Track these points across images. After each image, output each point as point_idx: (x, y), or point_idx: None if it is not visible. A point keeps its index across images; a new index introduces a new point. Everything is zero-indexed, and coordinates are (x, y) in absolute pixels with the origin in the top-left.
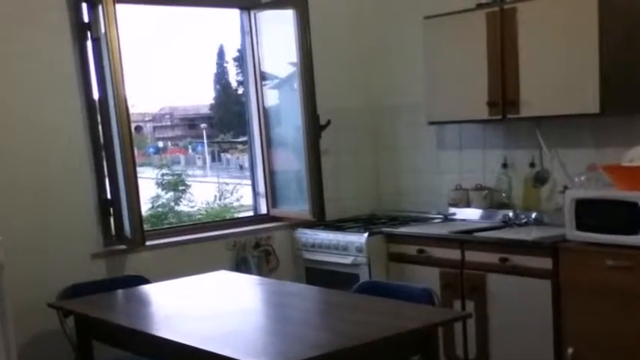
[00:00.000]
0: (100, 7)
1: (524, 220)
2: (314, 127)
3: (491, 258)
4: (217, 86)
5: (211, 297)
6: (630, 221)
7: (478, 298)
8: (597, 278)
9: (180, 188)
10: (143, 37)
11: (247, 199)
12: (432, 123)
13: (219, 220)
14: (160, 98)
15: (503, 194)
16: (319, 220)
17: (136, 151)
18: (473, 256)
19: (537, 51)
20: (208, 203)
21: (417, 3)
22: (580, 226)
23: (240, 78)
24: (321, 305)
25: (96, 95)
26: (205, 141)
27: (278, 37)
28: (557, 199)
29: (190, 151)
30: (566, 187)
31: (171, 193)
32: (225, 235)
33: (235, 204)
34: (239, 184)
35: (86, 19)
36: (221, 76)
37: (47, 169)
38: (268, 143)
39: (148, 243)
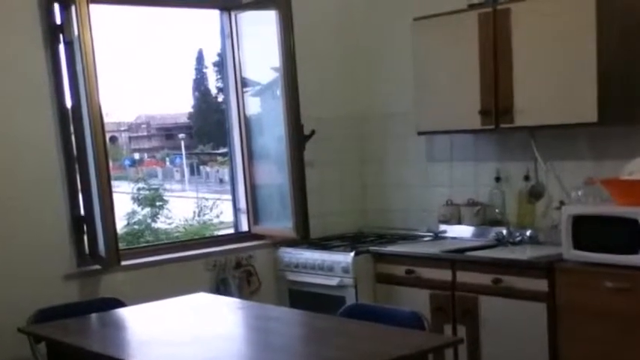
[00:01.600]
0: (73, 8)
1: (519, 238)
2: (297, 137)
3: (484, 279)
4: (196, 93)
5: (190, 321)
6: (630, 239)
7: (470, 323)
8: (596, 301)
9: (158, 204)
10: (118, 41)
11: (228, 216)
12: (421, 133)
13: (198, 239)
14: (136, 106)
15: (497, 210)
16: (303, 238)
17: (110, 164)
18: (464, 276)
19: (532, 55)
20: (187, 220)
21: (406, 4)
22: (577, 244)
23: (220, 84)
24: (305, 330)
25: (69, 103)
26: (184, 152)
27: (260, 40)
28: (553, 215)
29: (168, 163)
30: (562, 203)
31: (147, 209)
32: (205, 255)
33: (215, 221)
34: (219, 199)
35: (58, 20)
36: (200, 83)
37: (16, 183)
38: (250, 155)
39: (123, 263)
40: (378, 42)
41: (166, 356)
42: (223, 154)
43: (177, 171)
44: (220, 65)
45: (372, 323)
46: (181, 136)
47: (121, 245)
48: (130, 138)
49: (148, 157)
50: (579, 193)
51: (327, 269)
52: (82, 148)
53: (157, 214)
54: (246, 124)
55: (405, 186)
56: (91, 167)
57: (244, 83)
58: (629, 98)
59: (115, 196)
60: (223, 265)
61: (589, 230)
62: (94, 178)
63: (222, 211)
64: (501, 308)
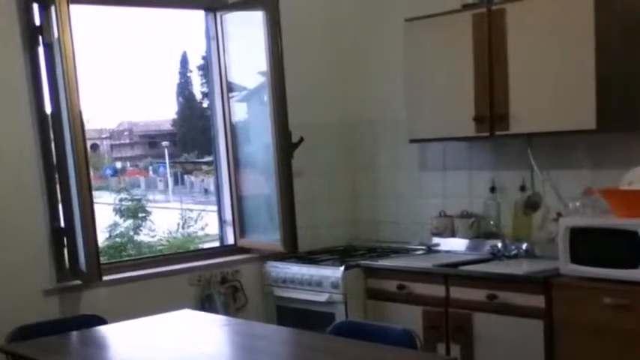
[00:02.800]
0: (52, 8)
1: (514, 252)
2: (285, 145)
3: (478, 295)
4: (180, 98)
5: (174, 339)
6: (630, 253)
7: (464, 340)
8: (594, 317)
9: (140, 215)
10: (100, 44)
11: (213, 228)
12: (413, 141)
13: (182, 252)
14: (118, 112)
15: (491, 222)
16: (291, 252)
17: (91, 173)
18: (458, 292)
19: (528, 58)
20: (170, 232)
21: (397, 4)
22: (575, 258)
23: (205, 89)
24: (292, 349)
25: (48, 109)
26: (167, 161)
27: (246, 43)
28: (550, 227)
29: (151, 172)
30: (559, 214)
31: (130, 221)
32: (189, 269)
33: (200, 233)
34: (204, 210)
35: (37, 21)
36: (184, 87)
37: None
38: (236, 164)
39: (105, 278)
40: (368, 44)
41: None
42: (208, 163)
43: (160, 180)
44: (205, 69)
45: (363, 342)
46: (165, 143)
47: (103, 259)
48: (111, 146)
49: (131, 166)
50: (577, 204)
51: (316, 284)
52: (62, 156)
53: (140, 226)
54: (232, 131)
55: (397, 196)
56: (72, 177)
57: (230, 88)
58: (630, 104)
59: (96, 207)
60: (208, 280)
61: (587, 243)
62: (75, 189)
63: (207, 224)
64: (496, 325)
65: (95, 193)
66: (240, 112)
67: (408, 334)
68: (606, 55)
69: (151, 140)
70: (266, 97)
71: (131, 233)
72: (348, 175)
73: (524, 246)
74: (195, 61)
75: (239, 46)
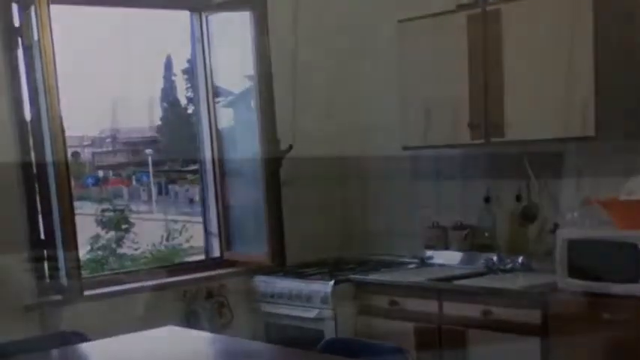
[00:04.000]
0: (32, 9)
1: (510, 266)
2: (274, 153)
3: (473, 311)
4: (164, 104)
5: (157, 357)
6: (629, 267)
7: (458, 358)
8: (593, 334)
9: (123, 227)
10: (80, 46)
11: (198, 240)
12: (406, 148)
13: (167, 266)
14: (100, 118)
15: (486, 234)
16: (279, 265)
17: (72, 183)
18: (452, 308)
19: (525, 61)
20: (154, 245)
21: (390, 5)
22: (573, 272)
23: (190, 94)
24: None
25: (28, 115)
26: (151, 170)
27: (233, 45)
28: (547, 239)
29: (134, 182)
30: (557, 226)
31: (112, 233)
32: (174, 284)
33: (185, 245)
34: (189, 221)
35: (17, 22)
36: (169, 92)
37: None
38: (222, 172)
39: (86, 293)
40: (359, 47)
41: None
42: (193, 172)
43: (144, 190)
44: (190, 73)
45: None
46: (148, 151)
47: (84, 273)
48: (93, 154)
49: (113, 175)
50: (575, 214)
51: (305, 299)
52: (43, 165)
53: (123, 238)
54: (218, 138)
55: (389, 207)
56: (52, 187)
57: (216, 92)
58: (630, 110)
59: (77, 218)
60: (194, 295)
61: (586, 256)
62: (55, 199)
63: (192, 235)
64: (491, 342)
65: (76, 204)
66: (226, 118)
67: (399, 352)
68: (606, 59)
69: (134, 148)
70: (253, 103)
71: (114, 246)
72: (339, 184)
73: (520, 259)
74: (179, 65)
75: (225, 49)
